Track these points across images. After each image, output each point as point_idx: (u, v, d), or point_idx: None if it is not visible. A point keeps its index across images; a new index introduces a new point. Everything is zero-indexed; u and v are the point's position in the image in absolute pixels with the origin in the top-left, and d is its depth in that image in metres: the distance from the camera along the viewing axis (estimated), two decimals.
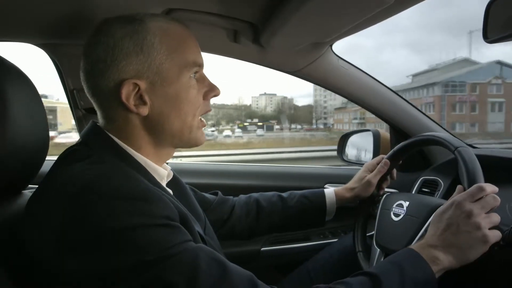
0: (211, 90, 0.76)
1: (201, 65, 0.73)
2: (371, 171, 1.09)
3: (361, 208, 1.10)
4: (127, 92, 0.66)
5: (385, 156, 1.09)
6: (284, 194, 1.10)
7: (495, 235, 0.71)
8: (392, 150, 1.08)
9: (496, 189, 0.75)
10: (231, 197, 1.10)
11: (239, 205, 1.07)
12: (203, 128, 0.76)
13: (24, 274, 0.58)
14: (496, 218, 0.72)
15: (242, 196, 1.11)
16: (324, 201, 1.08)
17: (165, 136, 0.72)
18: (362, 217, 1.09)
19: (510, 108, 33.68)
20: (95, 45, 0.67)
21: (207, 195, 1.06)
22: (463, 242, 0.70)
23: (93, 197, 0.55)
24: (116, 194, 0.56)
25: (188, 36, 0.72)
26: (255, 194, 1.11)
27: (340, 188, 1.12)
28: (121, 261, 0.53)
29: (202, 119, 0.76)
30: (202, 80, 0.75)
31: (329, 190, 1.10)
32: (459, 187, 0.80)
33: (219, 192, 1.10)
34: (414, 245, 0.74)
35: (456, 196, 0.75)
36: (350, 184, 1.11)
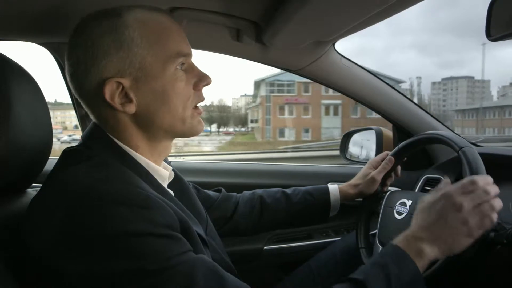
0: (201, 79, 0.72)
1: (187, 55, 0.69)
2: (375, 168, 1.09)
3: (364, 205, 1.10)
4: (110, 92, 0.64)
5: (390, 153, 1.09)
6: (288, 191, 1.10)
7: (480, 230, 0.69)
8: (397, 147, 1.08)
9: (489, 180, 0.72)
10: (235, 193, 1.10)
11: (243, 202, 1.06)
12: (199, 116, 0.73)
13: (26, 273, 0.58)
14: (488, 222, 0.69)
15: (246, 193, 1.10)
16: (328, 198, 1.07)
17: (157, 130, 0.70)
18: (365, 214, 1.09)
19: (347, 112, 28.40)
20: (74, 46, 0.65)
21: (210, 192, 1.06)
22: (449, 236, 0.69)
23: (94, 200, 0.54)
24: (117, 199, 0.55)
25: (171, 26, 0.68)
26: (259, 191, 1.10)
27: (344, 184, 1.11)
28: (118, 267, 0.52)
29: (199, 106, 0.73)
30: (191, 70, 0.71)
31: (333, 187, 1.10)
32: (445, 180, 0.78)
33: (223, 189, 1.09)
34: (400, 239, 0.72)
35: (447, 188, 0.73)
36: (354, 180, 1.11)
